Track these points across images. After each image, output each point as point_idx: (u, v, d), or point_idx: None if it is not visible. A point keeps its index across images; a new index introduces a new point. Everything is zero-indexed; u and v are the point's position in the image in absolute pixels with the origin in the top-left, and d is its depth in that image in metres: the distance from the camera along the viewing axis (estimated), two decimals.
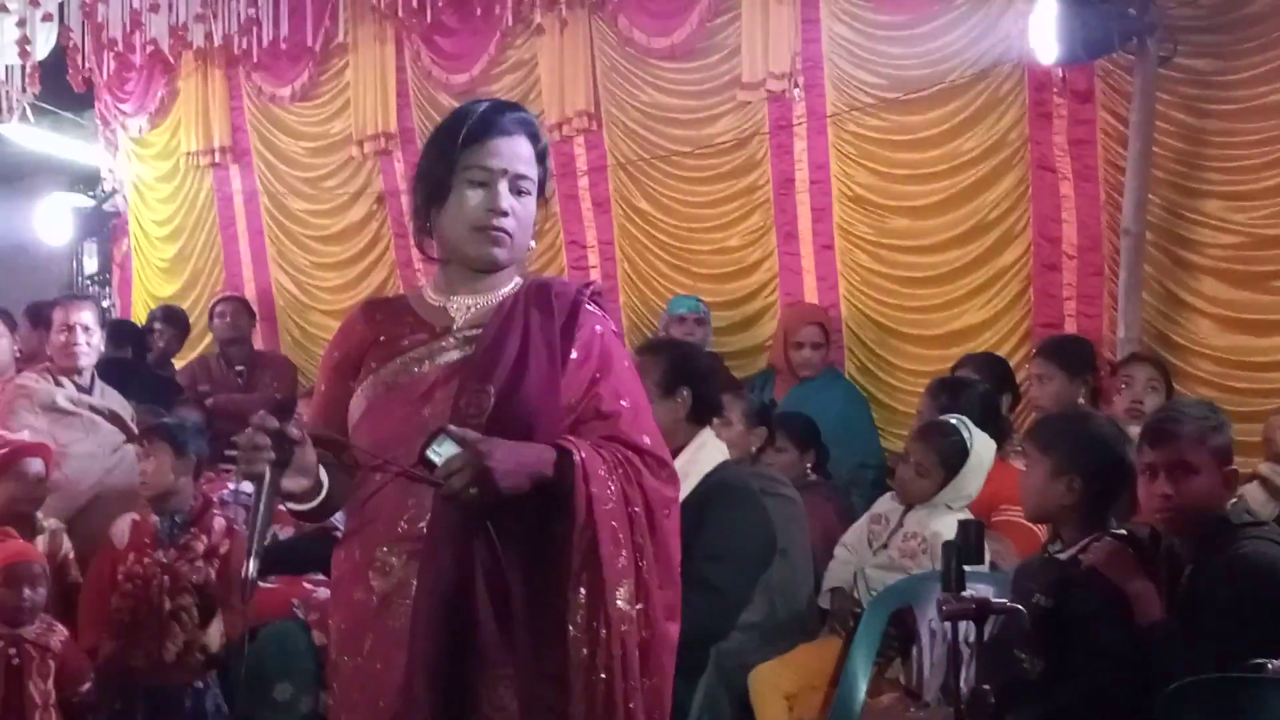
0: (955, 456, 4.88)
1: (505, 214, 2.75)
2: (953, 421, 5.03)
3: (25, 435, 5.46)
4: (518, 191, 2.78)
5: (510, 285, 2.84)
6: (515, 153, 2.78)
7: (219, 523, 5.10)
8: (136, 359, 8.01)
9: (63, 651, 4.72)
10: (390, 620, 2.66)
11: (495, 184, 2.75)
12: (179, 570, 4.96)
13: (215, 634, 4.95)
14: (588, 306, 2.81)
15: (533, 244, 2.85)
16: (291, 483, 2.61)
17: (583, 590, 2.58)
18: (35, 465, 5.26)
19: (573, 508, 2.57)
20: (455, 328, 2.79)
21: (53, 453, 5.39)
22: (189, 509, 5.11)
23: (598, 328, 2.80)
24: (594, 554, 2.58)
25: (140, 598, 4.94)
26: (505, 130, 2.78)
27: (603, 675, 2.56)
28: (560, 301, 2.77)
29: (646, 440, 2.73)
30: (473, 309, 2.81)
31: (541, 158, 2.83)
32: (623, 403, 2.74)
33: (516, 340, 2.71)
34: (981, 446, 4.93)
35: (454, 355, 2.75)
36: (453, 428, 2.53)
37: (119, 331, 8.12)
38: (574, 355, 2.73)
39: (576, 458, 2.59)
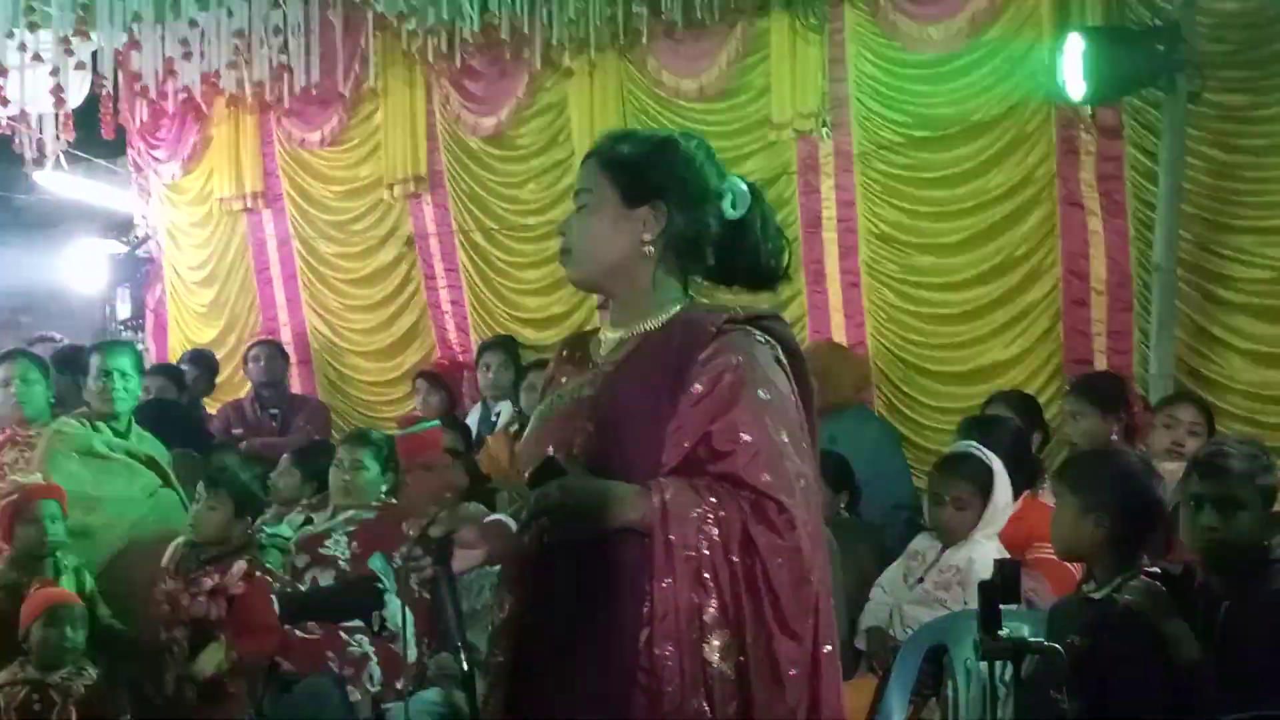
0: (986, 479, 4.89)
1: (563, 233, 2.76)
2: (963, 449, 5.06)
3: (37, 478, 5.51)
4: (579, 207, 2.74)
5: (660, 318, 2.70)
6: (580, 174, 2.77)
7: (239, 566, 5.12)
8: (176, 401, 8.07)
9: (89, 694, 4.73)
10: None
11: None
12: (179, 601, 4.98)
13: (205, 661, 4.94)
14: (732, 338, 2.61)
15: (648, 250, 2.68)
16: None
17: (669, 646, 2.45)
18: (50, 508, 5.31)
19: (652, 553, 2.48)
20: (600, 362, 2.75)
21: (66, 495, 5.44)
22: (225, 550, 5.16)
23: (736, 359, 2.57)
24: (669, 602, 2.45)
25: (149, 625, 4.99)
26: (585, 158, 2.79)
27: None
28: (693, 334, 2.62)
29: (765, 479, 2.48)
30: (614, 342, 2.74)
31: (610, 165, 2.72)
32: (745, 438, 2.50)
33: (629, 377, 2.64)
34: (997, 464, 4.94)
35: (587, 391, 2.70)
36: (558, 458, 2.53)
37: (164, 372, 8.21)
38: (696, 388, 2.55)
39: (657, 499, 2.48)
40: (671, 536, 2.46)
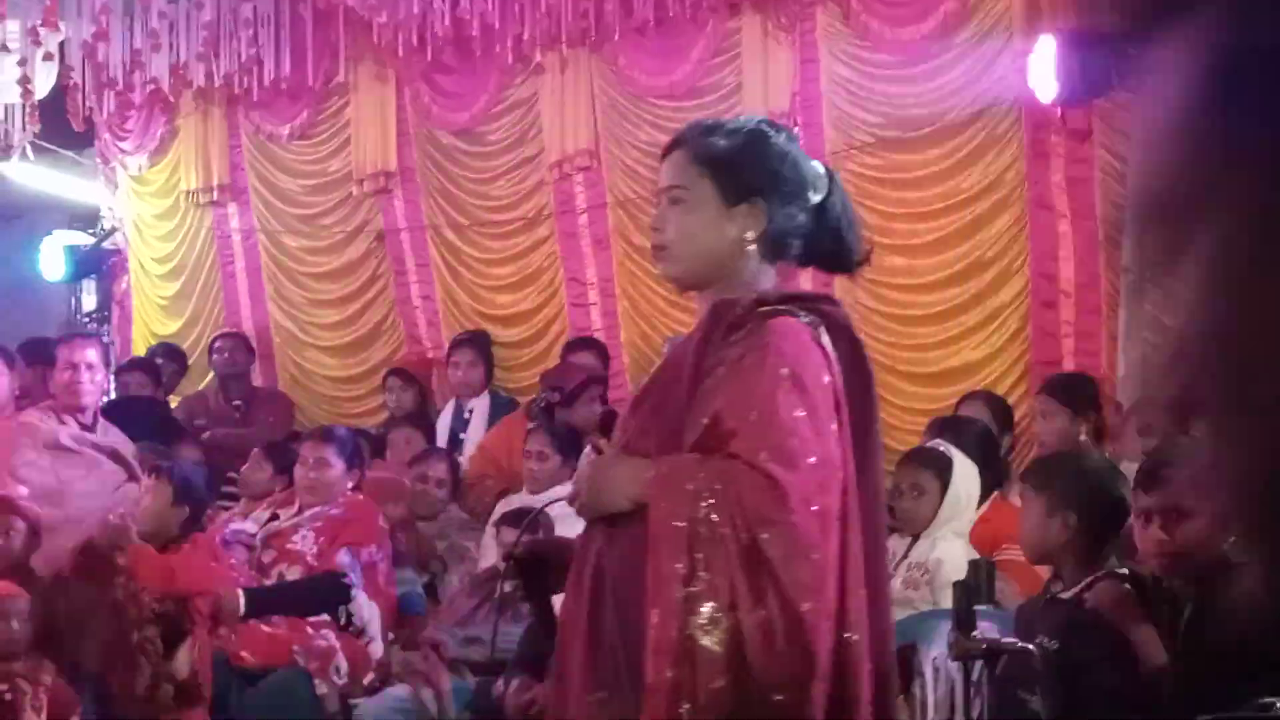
0: (944, 468, 4.92)
1: (657, 229, 2.77)
2: (927, 445, 5.14)
3: (24, 491, 5.50)
4: (673, 202, 2.75)
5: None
6: (669, 168, 2.79)
7: (185, 548, 5.13)
8: (152, 397, 8.04)
9: (55, 687, 4.74)
10: None
11: (659, 205, 2.80)
12: (141, 599, 4.97)
13: (183, 661, 4.94)
14: (762, 319, 2.62)
15: (750, 248, 2.70)
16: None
17: (655, 612, 2.46)
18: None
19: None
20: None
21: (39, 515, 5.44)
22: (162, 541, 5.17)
23: (761, 339, 2.59)
24: (658, 572, 2.47)
25: (114, 625, 4.98)
26: (668, 151, 2.81)
27: (686, 706, 2.43)
28: (722, 318, 2.65)
29: (762, 456, 2.47)
30: (683, 333, 2.84)
31: (706, 161, 2.73)
32: (751, 415, 2.51)
33: (667, 363, 2.76)
34: (959, 458, 4.97)
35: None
36: (601, 442, 2.62)
37: (141, 367, 8.19)
38: (720, 369, 2.58)
39: (653, 473, 2.55)
40: (663, 505, 2.50)
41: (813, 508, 2.48)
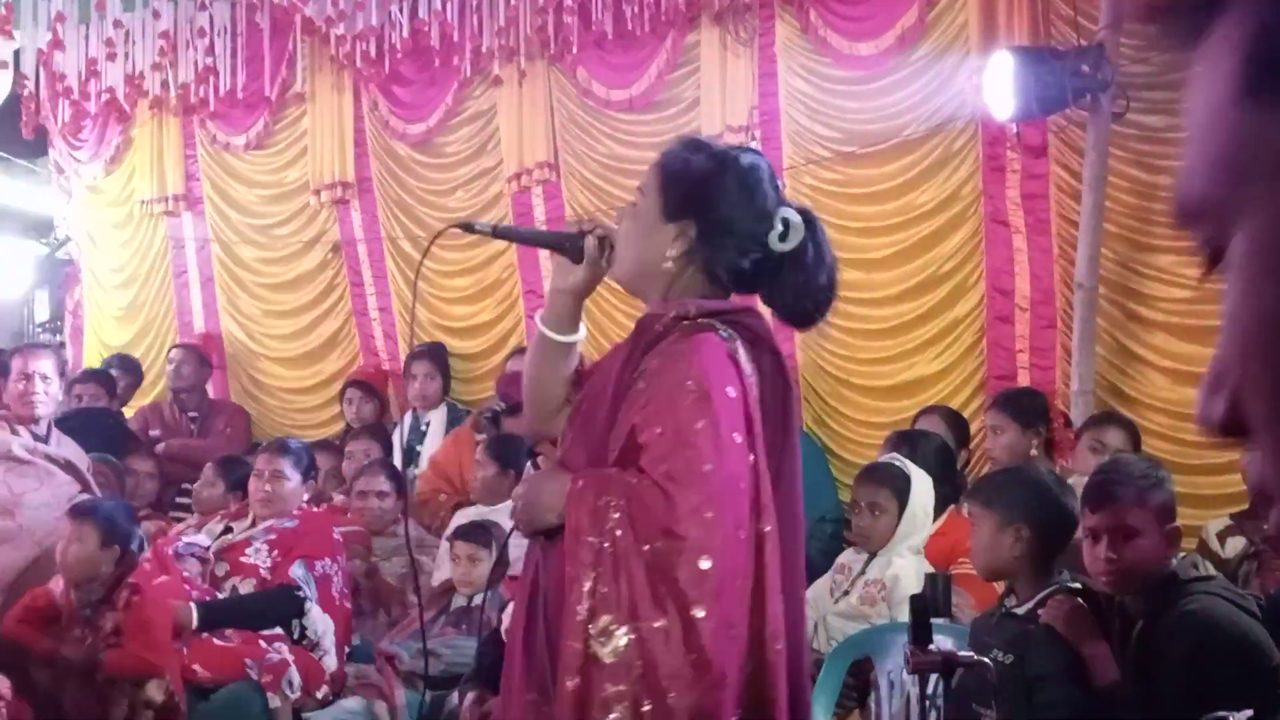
0: (903, 485, 4.93)
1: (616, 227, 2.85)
2: (884, 460, 5.13)
3: None
4: (632, 205, 2.85)
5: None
6: (646, 173, 2.84)
7: (135, 603, 5.08)
8: (106, 408, 7.98)
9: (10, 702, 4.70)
10: None
11: None
12: (97, 650, 4.95)
13: (156, 689, 4.91)
14: (680, 334, 2.66)
15: (668, 265, 2.75)
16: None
17: (564, 622, 2.53)
18: None
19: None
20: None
21: None
22: (102, 586, 5.11)
23: (674, 353, 2.63)
24: (570, 585, 2.53)
25: (70, 677, 4.94)
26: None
27: (592, 714, 2.48)
28: (643, 334, 2.70)
29: (661, 470, 2.52)
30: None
31: (665, 172, 2.79)
32: (656, 430, 2.57)
33: (595, 377, 2.77)
34: (917, 474, 4.98)
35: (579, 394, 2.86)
36: (541, 457, 2.64)
37: (95, 379, 8.13)
38: (640, 385, 2.63)
39: (570, 487, 2.59)
40: (574, 520, 2.55)
41: (706, 515, 2.51)
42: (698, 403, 2.56)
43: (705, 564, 2.49)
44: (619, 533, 2.51)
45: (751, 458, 2.61)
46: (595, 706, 2.47)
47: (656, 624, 2.47)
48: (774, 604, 2.60)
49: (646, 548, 2.49)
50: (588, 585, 2.50)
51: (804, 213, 2.79)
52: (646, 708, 2.46)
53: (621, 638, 2.47)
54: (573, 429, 2.76)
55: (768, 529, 2.62)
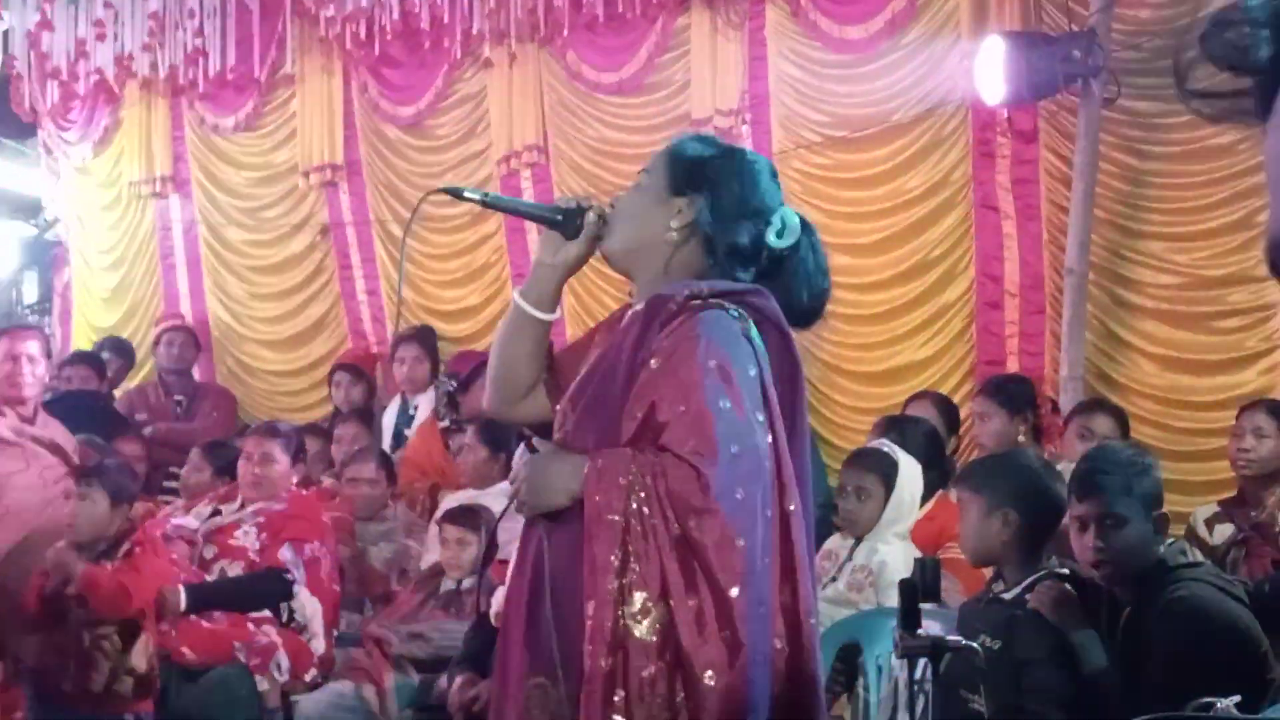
0: (890, 471, 4.92)
1: (612, 205, 2.88)
2: (873, 445, 5.13)
3: None
4: (634, 184, 2.88)
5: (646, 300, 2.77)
6: (651, 157, 2.89)
7: (136, 552, 5.09)
8: (95, 390, 7.96)
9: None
10: None
11: None
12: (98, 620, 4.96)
13: (140, 655, 4.92)
14: (694, 312, 2.65)
15: (671, 236, 2.77)
16: None
17: (591, 603, 2.50)
18: None
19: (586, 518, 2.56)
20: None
21: None
22: (106, 543, 5.14)
23: (692, 332, 2.62)
24: (593, 564, 2.51)
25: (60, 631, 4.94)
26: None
27: (620, 694, 2.47)
28: (657, 311, 2.67)
29: (689, 447, 2.51)
30: (617, 324, 2.82)
31: (671, 153, 2.84)
32: (679, 408, 2.55)
33: (603, 356, 2.73)
34: (905, 460, 4.98)
35: (583, 369, 2.80)
36: (536, 440, 2.60)
37: (86, 361, 8.10)
38: (652, 363, 2.62)
39: (589, 468, 2.56)
40: (597, 499, 2.53)
41: (737, 496, 2.52)
42: (720, 382, 2.58)
43: (740, 543, 2.50)
44: (646, 510, 2.50)
45: (771, 437, 2.63)
46: (630, 686, 2.47)
47: (693, 602, 2.48)
48: (805, 582, 2.63)
49: (677, 526, 2.50)
50: (616, 564, 2.50)
51: (802, 219, 2.83)
52: (681, 690, 2.48)
53: (656, 617, 2.49)
54: (576, 410, 2.73)
55: (793, 508, 2.64)
